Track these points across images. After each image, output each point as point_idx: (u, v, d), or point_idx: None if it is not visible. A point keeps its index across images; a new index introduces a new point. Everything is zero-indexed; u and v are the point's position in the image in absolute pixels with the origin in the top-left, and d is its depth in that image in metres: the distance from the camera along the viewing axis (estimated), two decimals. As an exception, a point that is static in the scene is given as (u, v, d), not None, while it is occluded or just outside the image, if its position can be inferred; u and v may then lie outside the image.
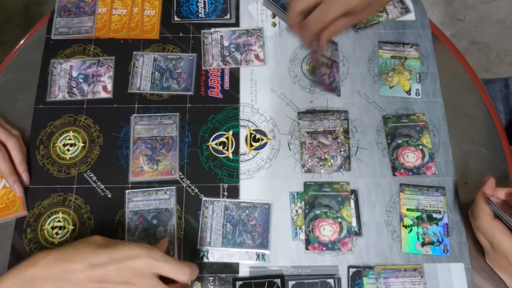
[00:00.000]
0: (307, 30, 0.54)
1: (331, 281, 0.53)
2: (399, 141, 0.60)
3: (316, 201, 0.57)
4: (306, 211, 0.56)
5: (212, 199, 0.57)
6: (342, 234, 0.55)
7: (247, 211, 0.56)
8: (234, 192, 0.58)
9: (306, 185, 0.57)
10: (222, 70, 0.64)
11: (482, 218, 0.49)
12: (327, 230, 0.55)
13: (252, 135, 0.61)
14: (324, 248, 0.54)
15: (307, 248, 0.55)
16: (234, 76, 0.64)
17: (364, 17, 0.55)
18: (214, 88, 0.63)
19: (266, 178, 0.58)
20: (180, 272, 0.44)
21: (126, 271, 0.42)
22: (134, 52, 0.65)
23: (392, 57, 0.65)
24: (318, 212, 0.56)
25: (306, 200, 0.57)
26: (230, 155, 0.60)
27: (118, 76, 0.64)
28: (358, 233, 0.56)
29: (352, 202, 0.57)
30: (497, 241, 0.48)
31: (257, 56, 0.65)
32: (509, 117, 0.72)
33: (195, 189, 0.58)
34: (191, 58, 0.65)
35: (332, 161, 0.59)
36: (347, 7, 0.50)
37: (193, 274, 0.45)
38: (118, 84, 0.63)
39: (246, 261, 0.54)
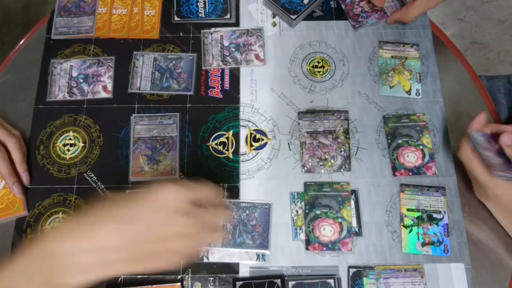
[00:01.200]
0: None
1: (331, 281, 0.53)
2: (400, 141, 0.60)
3: (316, 201, 0.56)
4: (306, 211, 0.56)
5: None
6: (342, 234, 0.55)
7: (247, 211, 0.56)
8: (234, 192, 0.58)
9: (306, 185, 0.57)
10: (222, 70, 0.64)
11: (462, 150, 0.53)
12: (327, 230, 0.55)
13: (252, 135, 0.61)
14: (324, 248, 0.54)
15: (307, 248, 0.55)
16: (234, 76, 0.64)
17: None
18: (214, 88, 0.63)
19: (266, 178, 0.58)
20: (209, 191, 0.41)
21: (159, 211, 0.38)
22: (134, 52, 0.65)
23: (392, 57, 0.65)
24: (318, 212, 0.56)
25: (306, 200, 0.57)
26: (230, 155, 0.60)
27: (118, 76, 0.64)
28: (358, 233, 0.56)
29: (352, 202, 0.57)
30: (473, 170, 0.52)
31: (257, 56, 0.65)
32: (511, 111, 0.73)
33: (195, 189, 0.58)
34: (191, 58, 0.65)
35: (332, 161, 0.59)
36: None
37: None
38: (118, 84, 0.63)
39: (246, 261, 0.54)
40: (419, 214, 0.56)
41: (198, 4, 0.68)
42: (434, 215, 0.56)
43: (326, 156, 0.59)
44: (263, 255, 0.54)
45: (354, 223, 0.56)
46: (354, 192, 0.57)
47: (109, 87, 0.63)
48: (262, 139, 0.61)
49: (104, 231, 0.37)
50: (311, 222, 0.56)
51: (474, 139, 0.51)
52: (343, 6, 0.67)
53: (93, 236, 0.37)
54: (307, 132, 0.60)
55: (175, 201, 0.39)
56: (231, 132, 0.61)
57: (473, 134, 0.51)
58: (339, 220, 0.55)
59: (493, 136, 0.51)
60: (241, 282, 0.53)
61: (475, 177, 0.53)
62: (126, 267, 0.37)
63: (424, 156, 0.59)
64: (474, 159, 0.52)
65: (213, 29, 0.66)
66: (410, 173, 0.58)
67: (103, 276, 0.37)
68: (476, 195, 0.56)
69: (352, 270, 0.54)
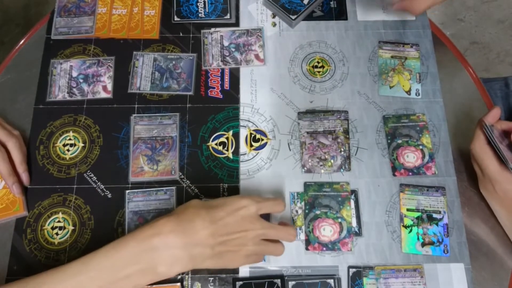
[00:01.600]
0: None
1: (331, 281, 0.53)
2: (399, 141, 0.60)
3: (316, 201, 0.57)
4: (306, 211, 0.56)
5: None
6: (342, 234, 0.55)
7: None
8: (234, 192, 0.58)
9: (306, 185, 0.57)
10: (222, 70, 0.64)
11: (476, 142, 0.53)
12: (327, 231, 0.55)
13: (252, 135, 0.61)
14: (324, 249, 0.54)
15: (307, 249, 0.55)
16: (234, 76, 0.64)
17: None
18: (214, 88, 0.63)
19: (266, 178, 0.58)
20: (277, 204, 0.50)
21: (241, 220, 0.47)
22: (134, 52, 0.65)
23: (392, 57, 0.65)
24: (318, 212, 0.56)
25: (306, 200, 0.57)
26: (230, 155, 0.60)
27: (118, 76, 0.64)
28: (358, 233, 0.56)
29: (352, 202, 0.57)
30: (485, 164, 0.52)
31: (257, 56, 0.65)
32: (509, 116, 0.72)
33: (195, 189, 0.58)
34: (191, 58, 0.65)
35: (332, 161, 0.59)
36: None
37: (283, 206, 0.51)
38: (118, 84, 0.63)
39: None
40: (419, 214, 0.56)
41: (198, 4, 0.68)
42: (434, 215, 0.56)
43: (326, 156, 0.59)
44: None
45: (354, 223, 0.56)
46: (354, 192, 0.57)
47: (109, 87, 0.63)
48: (262, 139, 0.61)
49: (197, 229, 0.45)
50: (311, 222, 0.56)
51: (489, 131, 0.51)
52: None
53: (187, 233, 0.44)
54: (307, 132, 0.60)
55: (254, 209, 0.48)
56: (231, 132, 0.61)
57: (489, 127, 0.51)
58: (339, 220, 0.55)
59: (504, 132, 0.52)
60: (241, 282, 0.53)
61: (484, 170, 0.52)
62: (211, 262, 0.46)
63: (424, 156, 0.59)
64: (487, 152, 0.51)
65: (213, 29, 0.66)
66: (410, 173, 0.58)
67: (191, 268, 0.45)
68: (480, 190, 0.56)
69: (352, 270, 0.54)
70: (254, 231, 0.47)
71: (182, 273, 0.53)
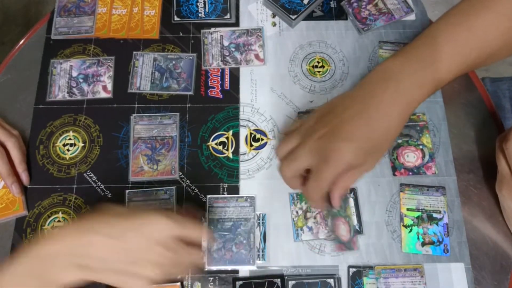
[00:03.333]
0: (310, 198, 0.48)
1: (331, 281, 0.53)
2: (399, 141, 0.60)
3: None
4: None
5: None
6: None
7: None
8: (234, 192, 0.58)
9: None
10: (222, 70, 0.64)
11: None
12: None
13: (252, 135, 0.61)
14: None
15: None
16: (234, 76, 0.64)
17: (371, 166, 0.47)
18: (214, 88, 0.63)
19: (266, 178, 0.58)
20: (197, 231, 0.45)
21: (144, 237, 0.42)
22: (134, 52, 0.65)
23: (392, 57, 0.65)
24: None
25: None
26: (230, 155, 0.60)
27: (118, 76, 0.64)
28: (359, 231, 0.56)
29: (351, 200, 0.57)
30: None
31: (257, 56, 0.65)
32: None
33: (195, 189, 0.58)
34: (191, 58, 0.65)
35: (332, 161, 0.59)
36: (340, 168, 0.43)
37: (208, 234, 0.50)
38: (118, 84, 0.63)
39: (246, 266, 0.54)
40: (419, 213, 0.56)
41: (198, 4, 0.68)
42: (434, 215, 0.56)
43: (326, 156, 0.59)
44: (263, 255, 0.54)
45: (355, 221, 0.56)
46: (353, 191, 0.57)
47: (109, 87, 0.63)
48: (262, 139, 0.61)
49: (90, 239, 0.41)
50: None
51: None
52: (350, 10, 0.67)
53: (80, 243, 0.41)
54: (307, 132, 0.60)
55: (161, 234, 0.42)
56: (231, 132, 0.61)
57: None
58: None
59: None
60: (241, 282, 0.53)
61: None
62: (103, 276, 0.41)
63: (424, 156, 0.59)
64: None
65: (213, 29, 0.66)
66: (410, 173, 0.58)
67: (86, 280, 0.41)
68: (500, 190, 0.53)
69: (352, 270, 0.54)
70: (156, 256, 0.42)
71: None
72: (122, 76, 0.64)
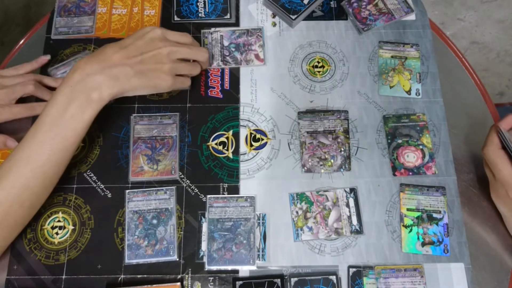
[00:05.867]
0: None
1: (333, 277, 0.53)
2: (399, 141, 0.60)
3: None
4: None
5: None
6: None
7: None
8: (234, 192, 0.58)
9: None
10: (222, 70, 0.64)
11: (489, 146, 0.52)
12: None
13: (252, 135, 0.61)
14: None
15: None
16: (234, 76, 0.64)
17: None
18: (214, 88, 0.63)
19: (266, 178, 0.58)
20: (183, 35, 0.57)
21: (150, 40, 0.53)
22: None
23: (392, 57, 0.65)
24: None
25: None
26: (230, 155, 0.60)
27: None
28: (359, 231, 0.56)
29: (352, 200, 0.57)
30: (498, 169, 0.51)
31: (257, 56, 0.65)
32: None
33: (195, 189, 0.58)
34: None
35: (332, 161, 0.59)
36: None
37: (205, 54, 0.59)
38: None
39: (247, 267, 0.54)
40: (419, 214, 0.56)
41: (198, 4, 0.68)
42: (434, 215, 0.56)
43: (326, 156, 0.59)
44: (263, 254, 0.54)
45: (355, 221, 0.56)
46: (353, 190, 0.58)
47: (109, 87, 0.63)
48: (262, 139, 0.61)
49: (108, 55, 0.50)
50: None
51: (504, 136, 0.51)
52: (350, 10, 0.67)
53: (101, 59, 0.50)
54: (307, 132, 0.60)
55: (159, 31, 0.54)
56: (231, 132, 0.61)
57: (504, 132, 0.51)
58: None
59: None
60: (241, 282, 0.53)
61: (497, 175, 0.51)
62: (137, 81, 0.51)
63: (424, 156, 0.59)
64: (501, 156, 0.51)
65: (213, 29, 0.66)
66: (410, 173, 0.58)
67: (121, 89, 0.51)
68: (491, 196, 0.55)
69: (352, 270, 0.54)
70: (166, 47, 0.53)
71: (115, 99, 0.57)
72: (122, 76, 0.64)
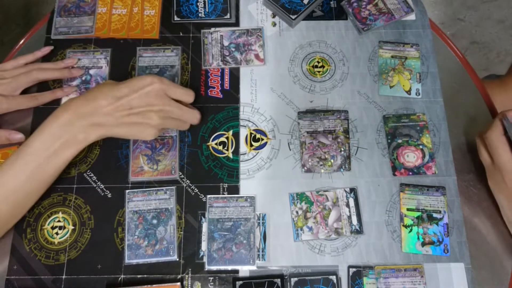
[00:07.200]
0: None
1: (333, 277, 0.53)
2: (399, 141, 0.60)
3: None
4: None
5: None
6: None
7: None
8: (234, 192, 0.58)
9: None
10: (222, 70, 0.64)
11: (493, 131, 0.53)
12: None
13: (252, 135, 0.61)
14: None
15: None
16: (234, 76, 0.64)
17: None
18: (214, 88, 0.63)
19: (266, 178, 0.58)
20: (186, 94, 0.54)
21: (145, 96, 0.51)
22: (138, 48, 0.65)
23: (392, 56, 0.65)
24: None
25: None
26: (230, 155, 0.60)
27: (118, 76, 0.64)
28: (359, 231, 0.56)
29: (352, 200, 0.57)
30: (498, 153, 0.52)
31: (257, 56, 0.65)
32: None
33: (195, 189, 0.58)
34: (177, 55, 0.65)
35: (332, 161, 0.59)
36: None
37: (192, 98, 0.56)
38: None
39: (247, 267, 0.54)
40: (419, 213, 0.56)
41: (198, 4, 0.68)
42: (434, 215, 0.56)
43: (326, 156, 0.59)
44: (263, 254, 0.54)
45: (355, 221, 0.56)
46: (353, 190, 0.58)
47: (109, 87, 0.63)
48: (262, 139, 0.61)
49: (99, 104, 0.50)
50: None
51: (508, 122, 0.51)
52: (350, 10, 0.67)
53: (90, 106, 0.50)
54: (307, 132, 0.60)
55: (158, 86, 0.52)
56: (231, 132, 0.61)
57: (509, 118, 0.52)
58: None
59: None
60: (241, 282, 0.53)
61: (496, 160, 0.52)
62: (119, 130, 0.52)
63: (424, 156, 0.59)
64: (503, 141, 0.51)
65: (213, 29, 0.66)
66: (410, 173, 0.58)
67: (106, 133, 0.52)
68: (488, 182, 0.55)
69: (352, 270, 0.54)
70: (158, 106, 0.52)
71: (98, 141, 0.59)
72: (122, 75, 0.64)
